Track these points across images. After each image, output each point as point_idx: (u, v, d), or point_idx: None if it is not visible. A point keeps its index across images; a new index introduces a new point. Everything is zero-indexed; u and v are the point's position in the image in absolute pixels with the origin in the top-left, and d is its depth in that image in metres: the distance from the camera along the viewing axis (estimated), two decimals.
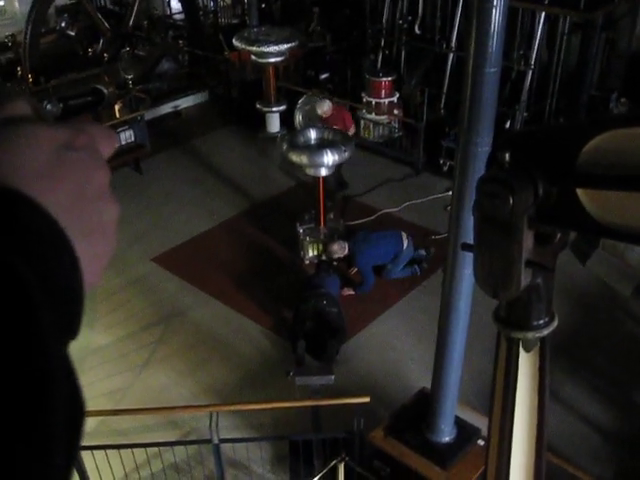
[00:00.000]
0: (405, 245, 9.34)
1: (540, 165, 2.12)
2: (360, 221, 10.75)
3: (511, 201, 2.09)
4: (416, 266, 9.60)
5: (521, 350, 2.58)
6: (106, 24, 15.13)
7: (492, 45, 3.91)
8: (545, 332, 2.52)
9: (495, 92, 4.22)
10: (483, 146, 4.16)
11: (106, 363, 8.42)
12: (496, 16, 3.86)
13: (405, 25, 14.24)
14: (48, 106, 12.21)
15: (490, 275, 2.33)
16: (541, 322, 2.51)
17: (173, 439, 6.94)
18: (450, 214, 4.85)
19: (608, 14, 12.40)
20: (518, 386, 2.63)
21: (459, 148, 4.48)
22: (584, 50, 12.49)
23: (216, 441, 6.17)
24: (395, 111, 13.45)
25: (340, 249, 9.24)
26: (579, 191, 2.05)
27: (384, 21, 14.50)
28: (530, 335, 2.52)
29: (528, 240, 2.20)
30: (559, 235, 2.33)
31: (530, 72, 12.25)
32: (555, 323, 2.56)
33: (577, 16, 11.99)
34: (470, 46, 4.04)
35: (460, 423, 6.22)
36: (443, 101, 13.45)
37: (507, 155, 2.15)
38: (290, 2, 17.78)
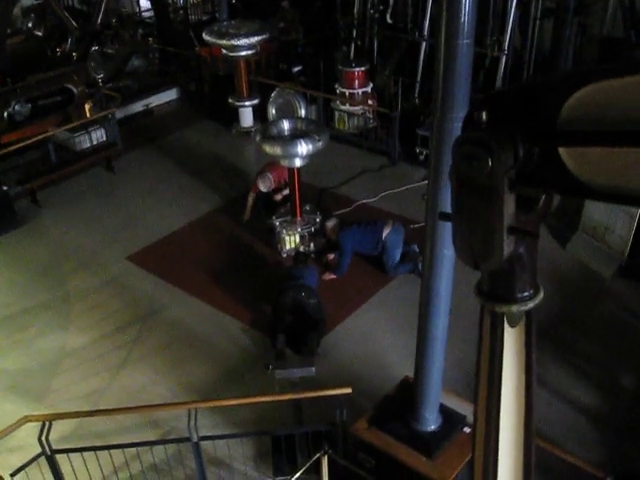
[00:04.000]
0: (385, 234, 9.21)
1: (520, 124, 1.98)
2: (337, 212, 10.59)
3: (490, 162, 1.95)
4: (420, 263, 9.22)
5: (506, 325, 2.44)
6: (74, 23, 14.82)
7: (465, 15, 3.78)
8: (530, 305, 2.38)
9: (469, 65, 4.09)
10: (458, 121, 4.03)
11: (82, 365, 8.23)
12: None
13: (376, 15, 14.13)
14: (17, 107, 11.99)
15: (470, 244, 2.19)
16: (526, 294, 2.37)
17: (152, 439, 6.75)
18: (427, 192, 4.72)
19: None
20: (504, 364, 2.49)
21: (434, 125, 4.35)
22: (557, 35, 12.43)
23: (195, 439, 6.01)
24: (369, 101, 13.33)
25: (333, 223, 9.65)
26: (561, 150, 1.92)
27: (355, 12, 14.39)
28: (515, 308, 2.37)
29: (509, 205, 2.07)
30: (542, 200, 2.20)
31: (504, 57, 12.18)
32: (541, 295, 2.42)
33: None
34: (442, 18, 3.90)
35: (445, 411, 6.10)
36: (417, 90, 13.37)
37: (484, 114, 2.02)
38: None
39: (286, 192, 10.41)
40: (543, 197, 2.17)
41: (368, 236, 9.32)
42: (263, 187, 10.44)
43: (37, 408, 7.31)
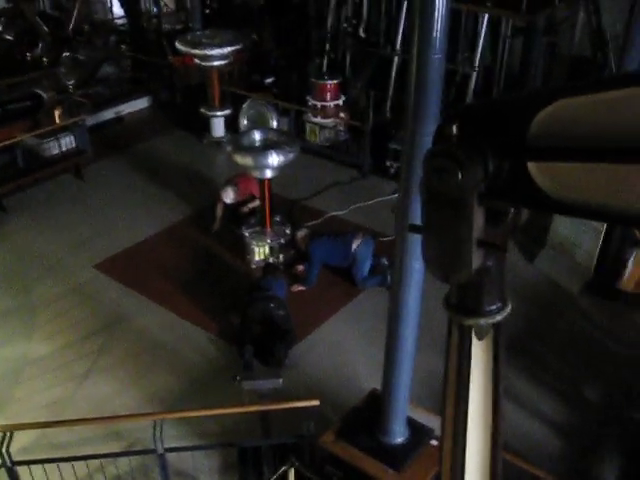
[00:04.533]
0: (355, 246, 9.23)
1: (490, 138, 2.00)
2: (307, 224, 10.59)
3: (460, 176, 1.96)
4: (389, 276, 8.91)
5: (473, 338, 2.45)
6: (45, 28, 14.73)
7: (437, 30, 3.82)
8: (498, 318, 2.40)
9: (440, 80, 4.13)
10: (429, 135, 4.04)
11: (45, 374, 8.09)
12: (440, 1, 3.77)
13: (350, 29, 14.22)
14: None
15: (440, 257, 2.20)
16: (494, 307, 2.39)
17: (116, 451, 6.65)
18: (397, 205, 4.74)
19: (549, 18, 12.57)
20: (472, 377, 2.50)
21: (405, 139, 4.37)
22: (526, 53, 12.63)
23: (161, 451, 5.93)
24: (341, 114, 13.39)
25: (304, 233, 9.75)
26: (530, 165, 1.93)
27: (329, 25, 14.45)
28: (483, 321, 2.38)
29: (479, 218, 2.08)
30: (510, 215, 2.22)
31: (474, 74, 12.32)
32: (508, 309, 2.44)
33: (519, 18, 12.12)
34: (415, 32, 3.94)
35: (413, 424, 6.11)
36: (389, 104, 13.45)
37: (455, 128, 2.03)
38: (235, 7, 17.63)
39: (253, 204, 10.40)
40: (512, 211, 2.20)
41: (338, 247, 9.33)
42: (226, 199, 10.44)
43: None
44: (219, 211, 10.62)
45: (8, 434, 5.85)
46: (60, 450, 6.78)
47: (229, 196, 10.41)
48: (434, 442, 5.99)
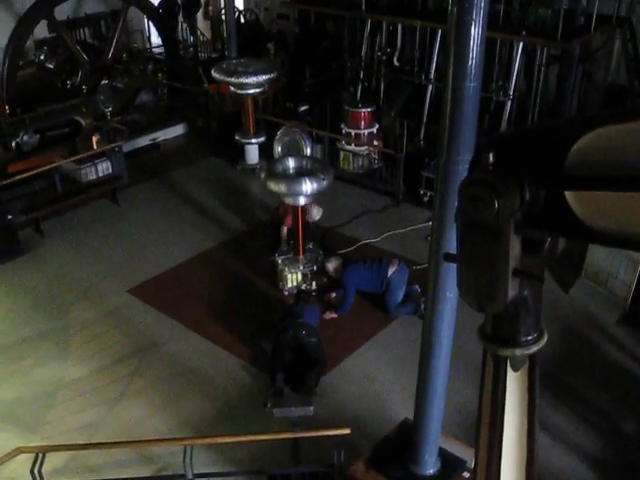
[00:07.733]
0: (390, 272, 9.18)
1: (526, 167, 1.98)
2: (340, 252, 10.60)
3: (496, 204, 1.95)
4: (422, 304, 8.77)
5: (509, 369, 2.42)
6: (85, 57, 15.07)
7: (472, 58, 3.83)
8: (534, 349, 2.37)
9: (475, 108, 4.12)
10: (464, 164, 4.05)
11: (79, 397, 8.15)
12: (475, 30, 3.79)
13: (384, 57, 14.30)
14: (25, 137, 12.08)
15: (475, 286, 2.17)
16: (530, 338, 2.36)
17: (146, 475, 6.65)
18: (431, 234, 4.72)
19: (584, 46, 12.53)
20: (506, 408, 2.46)
21: (439, 167, 4.37)
22: (562, 81, 12.58)
23: (190, 476, 5.94)
24: (375, 142, 13.43)
25: (336, 263, 9.67)
26: (567, 194, 1.91)
27: (363, 53, 14.55)
28: (518, 352, 2.35)
29: (515, 247, 2.06)
30: (547, 244, 2.19)
31: (509, 102, 12.29)
32: (545, 339, 2.41)
33: (554, 46, 12.09)
34: (450, 61, 3.95)
35: (445, 455, 6.02)
36: (422, 132, 13.46)
37: (491, 156, 2.02)
38: (270, 36, 17.87)
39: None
40: (549, 240, 2.17)
41: (374, 274, 9.27)
42: (318, 215, 10.53)
43: (31, 439, 7.23)
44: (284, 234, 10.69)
45: (41, 455, 5.90)
46: (91, 472, 6.83)
47: (319, 212, 10.53)
48: (466, 474, 5.89)
